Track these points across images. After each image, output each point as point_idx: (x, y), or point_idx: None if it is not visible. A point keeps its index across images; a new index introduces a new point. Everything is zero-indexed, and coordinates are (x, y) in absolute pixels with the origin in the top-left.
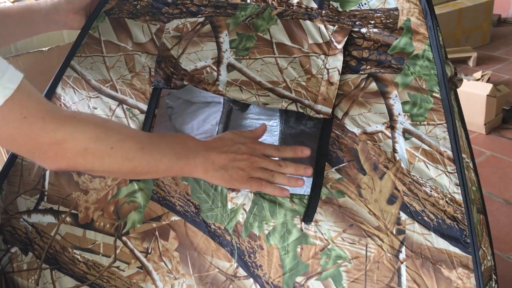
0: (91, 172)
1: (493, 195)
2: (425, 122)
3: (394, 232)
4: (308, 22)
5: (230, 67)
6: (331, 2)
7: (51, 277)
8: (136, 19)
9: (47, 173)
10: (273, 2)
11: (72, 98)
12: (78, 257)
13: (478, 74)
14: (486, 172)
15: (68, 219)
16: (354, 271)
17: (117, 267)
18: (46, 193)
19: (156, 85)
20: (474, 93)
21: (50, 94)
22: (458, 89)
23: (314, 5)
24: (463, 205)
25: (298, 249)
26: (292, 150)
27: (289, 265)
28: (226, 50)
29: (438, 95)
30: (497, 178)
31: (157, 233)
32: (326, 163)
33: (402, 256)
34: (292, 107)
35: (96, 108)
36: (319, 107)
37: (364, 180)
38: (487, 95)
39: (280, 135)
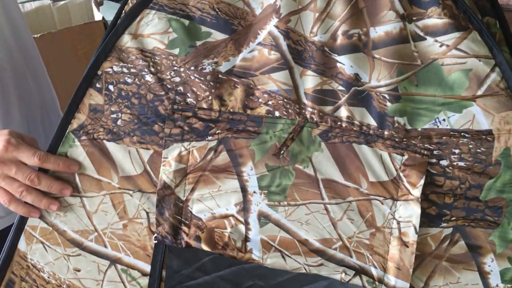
0: None
1: None
2: None
3: None
4: (364, 147)
5: (263, 218)
6: (396, 118)
7: None
8: (118, 141)
9: None
10: (313, 116)
11: (43, 257)
12: None
13: None
14: None
15: None
16: None
17: None
18: None
19: (159, 241)
20: None
21: (11, 253)
22: None
23: (373, 122)
24: None
25: None
26: (58, 161)
27: None
28: (255, 192)
29: None
30: None
31: None
32: None
33: None
34: (356, 281)
35: (79, 270)
36: (393, 280)
37: None
38: None
39: None
